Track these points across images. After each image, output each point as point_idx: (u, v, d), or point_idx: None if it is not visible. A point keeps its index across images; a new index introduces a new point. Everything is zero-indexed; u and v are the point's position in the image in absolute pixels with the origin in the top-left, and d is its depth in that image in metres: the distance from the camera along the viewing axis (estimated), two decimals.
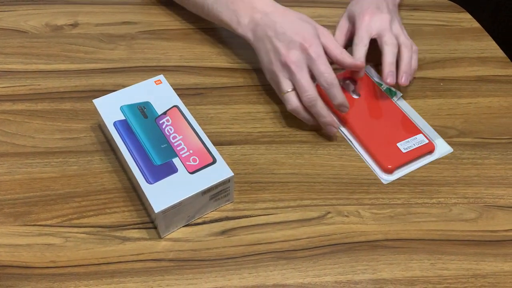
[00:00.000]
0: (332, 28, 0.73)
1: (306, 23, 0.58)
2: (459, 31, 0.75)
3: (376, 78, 0.65)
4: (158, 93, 0.56)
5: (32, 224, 0.49)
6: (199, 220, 0.51)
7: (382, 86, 0.64)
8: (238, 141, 0.58)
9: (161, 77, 0.57)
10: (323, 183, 0.54)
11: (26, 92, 0.61)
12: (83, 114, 0.59)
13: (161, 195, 0.47)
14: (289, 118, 0.60)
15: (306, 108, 0.56)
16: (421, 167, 0.56)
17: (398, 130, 0.59)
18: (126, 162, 0.50)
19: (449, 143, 0.59)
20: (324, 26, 0.74)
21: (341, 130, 0.59)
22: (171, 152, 0.50)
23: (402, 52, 0.61)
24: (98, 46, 0.68)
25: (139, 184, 0.48)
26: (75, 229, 0.49)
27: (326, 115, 0.56)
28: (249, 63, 0.67)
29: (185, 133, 0.52)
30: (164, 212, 0.46)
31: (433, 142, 0.58)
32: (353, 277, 0.47)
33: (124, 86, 0.57)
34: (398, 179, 0.55)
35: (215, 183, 0.48)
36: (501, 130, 0.61)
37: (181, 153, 0.50)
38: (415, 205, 0.53)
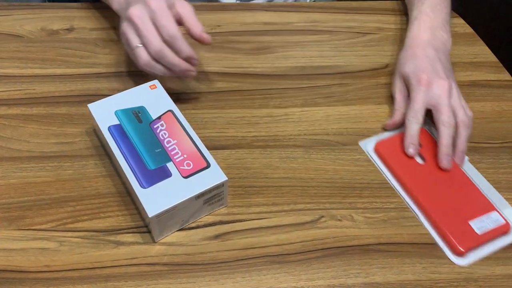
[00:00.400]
0: (327, 33, 0.74)
1: None
2: (452, 36, 0.75)
3: None
4: (153, 97, 0.56)
5: (27, 228, 0.49)
6: (193, 225, 0.51)
7: None
8: (232, 146, 0.58)
9: (155, 81, 0.58)
10: (317, 187, 0.55)
11: (21, 97, 0.62)
12: (78, 118, 0.59)
13: (155, 199, 0.47)
14: (283, 123, 0.61)
15: (158, 61, 0.55)
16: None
17: (470, 205, 0.53)
18: (120, 167, 0.50)
19: None
20: (318, 31, 0.75)
21: (404, 198, 0.54)
22: (165, 156, 0.50)
23: (459, 133, 0.56)
24: (94, 50, 0.68)
25: (133, 189, 0.48)
26: (70, 233, 0.49)
27: (177, 63, 0.54)
28: (243, 68, 0.68)
29: (180, 137, 0.52)
30: (158, 216, 0.46)
31: (509, 222, 0.52)
32: (346, 281, 0.47)
33: (119, 91, 0.57)
34: (390, 182, 0.56)
35: (209, 187, 0.48)
36: (493, 134, 0.62)
37: (175, 157, 0.50)
38: (407, 209, 0.53)
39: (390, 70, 0.69)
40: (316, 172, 0.56)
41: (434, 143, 0.57)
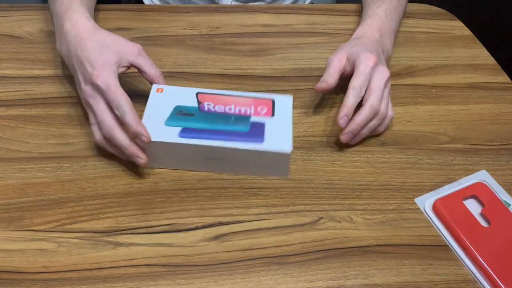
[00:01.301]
0: (326, 36, 0.74)
1: (105, 48, 0.54)
2: (451, 39, 0.76)
3: (503, 197, 0.55)
4: (172, 96, 0.56)
5: (25, 229, 0.49)
6: (192, 226, 0.51)
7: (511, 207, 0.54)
8: None
9: (158, 85, 0.57)
10: (316, 188, 0.55)
11: (20, 97, 0.62)
12: (77, 119, 0.59)
13: (277, 140, 0.52)
14: None
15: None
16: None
17: None
18: (226, 150, 0.52)
19: (441, 149, 0.60)
20: (317, 33, 0.75)
21: (465, 263, 0.50)
22: (243, 117, 0.54)
23: (371, 121, 0.57)
24: None
25: (252, 151, 0.51)
26: (68, 234, 0.49)
27: (127, 146, 0.51)
28: (242, 70, 0.68)
29: (232, 101, 0.55)
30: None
31: None
32: (345, 283, 0.47)
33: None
34: (390, 184, 0.56)
35: (291, 108, 0.55)
36: (492, 136, 0.62)
37: (249, 112, 0.55)
38: (406, 210, 0.53)
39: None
40: (315, 173, 0.56)
41: (499, 205, 0.54)
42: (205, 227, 0.51)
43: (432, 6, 0.82)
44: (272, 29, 0.75)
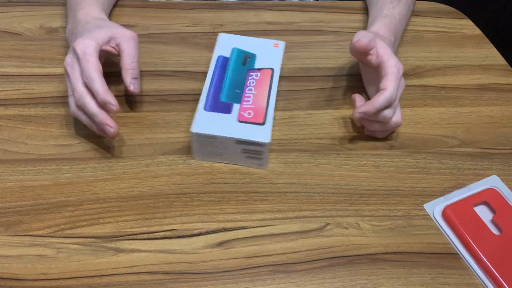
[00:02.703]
0: (332, 34, 0.73)
1: (97, 27, 0.55)
2: (460, 38, 0.74)
3: None
4: (268, 52, 0.61)
5: (24, 234, 0.48)
6: (195, 231, 0.49)
7: None
8: None
9: (280, 42, 0.62)
10: (322, 193, 0.53)
11: (19, 97, 0.60)
12: (77, 120, 0.58)
13: (205, 122, 0.52)
14: (288, 126, 0.59)
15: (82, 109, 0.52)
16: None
17: None
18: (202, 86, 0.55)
19: (450, 153, 0.58)
20: (323, 31, 0.73)
21: (475, 272, 0.48)
22: (238, 98, 0.55)
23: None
24: None
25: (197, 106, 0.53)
26: (68, 240, 0.48)
27: (96, 113, 0.50)
28: None
29: (261, 91, 0.56)
30: (199, 136, 0.52)
31: None
32: None
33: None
34: (398, 189, 0.54)
35: (249, 139, 0.51)
36: (503, 140, 0.60)
37: (244, 103, 0.55)
38: (415, 217, 0.52)
39: None
40: (322, 177, 0.55)
41: (511, 212, 0.52)
42: (209, 233, 0.49)
43: (441, 4, 0.80)
44: (277, 27, 0.73)
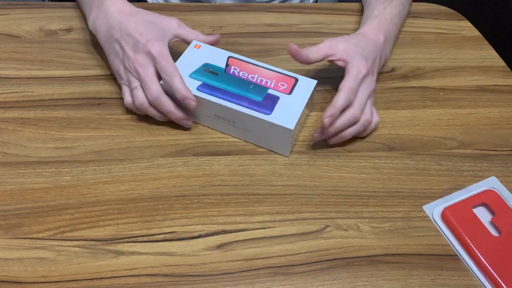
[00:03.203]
0: (331, 36, 0.73)
1: (151, 24, 0.58)
2: (459, 40, 0.74)
3: None
4: (206, 53, 0.60)
5: (24, 237, 0.48)
6: (195, 234, 0.49)
7: None
8: (235, 151, 0.57)
9: (197, 42, 0.60)
10: (322, 195, 0.53)
11: (18, 99, 0.60)
12: (77, 122, 0.58)
13: (283, 116, 0.53)
14: None
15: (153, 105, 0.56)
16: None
17: None
18: (235, 112, 0.54)
19: (449, 155, 0.58)
20: (323, 33, 0.73)
21: (475, 273, 0.48)
22: (261, 87, 0.56)
23: (353, 126, 0.57)
24: (93, 52, 0.66)
25: (258, 119, 0.53)
26: (68, 242, 0.48)
27: (173, 111, 0.56)
28: None
29: (257, 71, 0.58)
30: (296, 126, 0.53)
31: None
32: None
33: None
34: (397, 191, 0.54)
35: (311, 91, 0.56)
36: (502, 141, 0.60)
37: (269, 84, 0.56)
38: (415, 218, 0.52)
39: (396, 74, 0.68)
40: (321, 179, 0.55)
41: (510, 213, 0.52)
42: (208, 235, 0.49)
43: (440, 5, 0.80)
44: (276, 28, 0.73)
